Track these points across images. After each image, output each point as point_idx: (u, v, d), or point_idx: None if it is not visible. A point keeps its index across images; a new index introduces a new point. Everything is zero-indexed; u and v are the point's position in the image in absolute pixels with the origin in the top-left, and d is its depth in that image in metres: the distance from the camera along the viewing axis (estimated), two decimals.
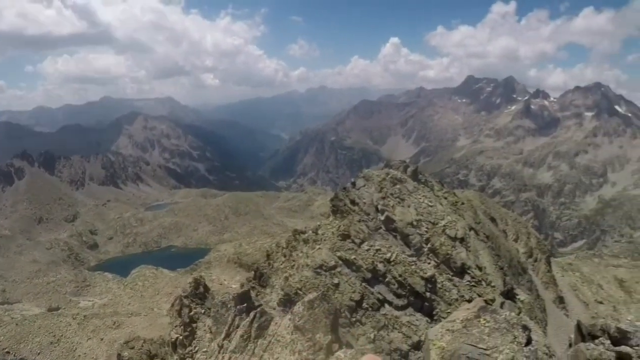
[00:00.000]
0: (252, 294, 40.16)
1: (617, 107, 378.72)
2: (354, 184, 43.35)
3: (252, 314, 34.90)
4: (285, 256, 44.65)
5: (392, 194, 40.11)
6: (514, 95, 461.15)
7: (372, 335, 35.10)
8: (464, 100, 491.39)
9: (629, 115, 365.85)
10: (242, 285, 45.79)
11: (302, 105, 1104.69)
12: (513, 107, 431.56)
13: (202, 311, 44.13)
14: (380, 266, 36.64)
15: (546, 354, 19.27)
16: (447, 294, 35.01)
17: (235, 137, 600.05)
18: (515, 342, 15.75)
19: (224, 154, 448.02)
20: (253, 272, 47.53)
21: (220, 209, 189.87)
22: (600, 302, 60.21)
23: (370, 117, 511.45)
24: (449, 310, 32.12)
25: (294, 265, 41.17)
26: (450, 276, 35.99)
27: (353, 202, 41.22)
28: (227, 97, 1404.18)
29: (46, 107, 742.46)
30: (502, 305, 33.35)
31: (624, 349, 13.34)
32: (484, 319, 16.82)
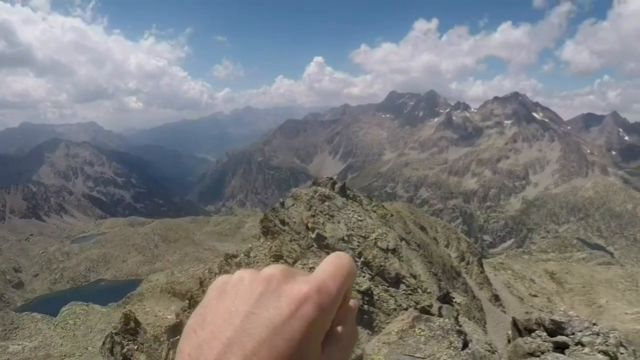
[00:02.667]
0: None
1: (534, 113, 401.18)
2: (282, 203, 42.95)
3: None
4: None
5: (321, 212, 40.02)
6: (436, 108, 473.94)
7: None
8: (387, 115, 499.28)
9: (546, 120, 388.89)
10: (177, 316, 44.59)
11: (228, 126, 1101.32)
12: (436, 120, 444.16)
13: (135, 347, 42.54)
14: None
15: (489, 351, 19.54)
16: (384, 304, 35.11)
17: (161, 162, 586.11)
18: (452, 348, 15.82)
19: (150, 180, 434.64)
20: (187, 301, 46.31)
21: (149, 238, 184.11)
22: (535, 295, 61.97)
23: (297, 136, 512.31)
24: (388, 321, 32.19)
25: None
26: (386, 287, 36.13)
27: (283, 222, 40.87)
28: (152, 121, 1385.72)
29: None
30: (440, 309, 33.72)
31: (560, 338, 13.71)
32: (419, 328, 16.84)
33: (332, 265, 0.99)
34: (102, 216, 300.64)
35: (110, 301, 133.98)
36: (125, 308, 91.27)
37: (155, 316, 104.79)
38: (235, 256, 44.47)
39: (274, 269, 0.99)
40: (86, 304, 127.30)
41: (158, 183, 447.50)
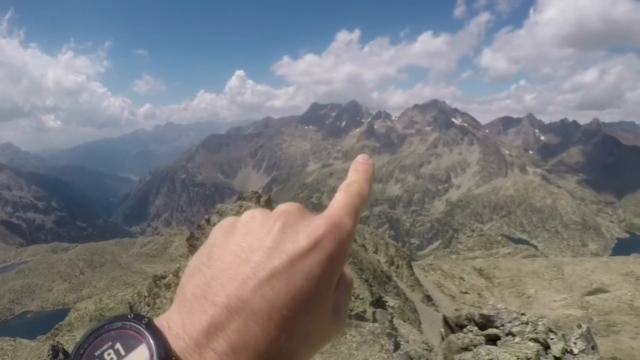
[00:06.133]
0: None
1: (453, 119, 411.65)
2: (208, 220, 42.04)
3: None
4: (149, 305, 42.22)
5: None
6: (358, 118, 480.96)
7: None
8: (310, 126, 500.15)
9: (465, 125, 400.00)
10: None
11: (150, 143, 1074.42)
12: (358, 129, 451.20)
13: None
14: None
15: (426, 350, 19.60)
16: None
17: (82, 183, 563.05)
18: (384, 351, 15.78)
19: (72, 203, 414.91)
20: None
21: (74, 263, 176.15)
22: (466, 292, 63.08)
23: (220, 151, 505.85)
24: None
25: (159, 313, 38.72)
26: None
27: None
28: (71, 140, 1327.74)
29: None
30: (374, 314, 33.75)
31: (491, 331, 13.95)
32: (350, 335, 16.75)
33: (347, 203, 1.00)
34: (23, 243, 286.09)
35: (39, 334, 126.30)
36: (54, 340, 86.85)
37: None
38: (164, 277, 43.12)
39: (289, 205, 0.95)
40: (13, 339, 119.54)
41: (80, 205, 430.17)
